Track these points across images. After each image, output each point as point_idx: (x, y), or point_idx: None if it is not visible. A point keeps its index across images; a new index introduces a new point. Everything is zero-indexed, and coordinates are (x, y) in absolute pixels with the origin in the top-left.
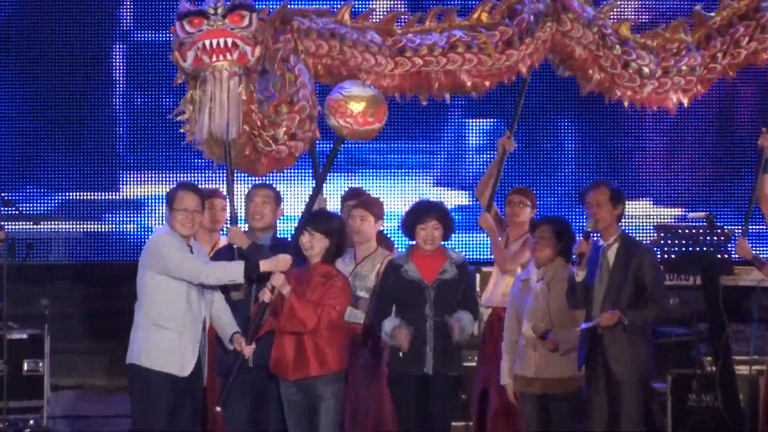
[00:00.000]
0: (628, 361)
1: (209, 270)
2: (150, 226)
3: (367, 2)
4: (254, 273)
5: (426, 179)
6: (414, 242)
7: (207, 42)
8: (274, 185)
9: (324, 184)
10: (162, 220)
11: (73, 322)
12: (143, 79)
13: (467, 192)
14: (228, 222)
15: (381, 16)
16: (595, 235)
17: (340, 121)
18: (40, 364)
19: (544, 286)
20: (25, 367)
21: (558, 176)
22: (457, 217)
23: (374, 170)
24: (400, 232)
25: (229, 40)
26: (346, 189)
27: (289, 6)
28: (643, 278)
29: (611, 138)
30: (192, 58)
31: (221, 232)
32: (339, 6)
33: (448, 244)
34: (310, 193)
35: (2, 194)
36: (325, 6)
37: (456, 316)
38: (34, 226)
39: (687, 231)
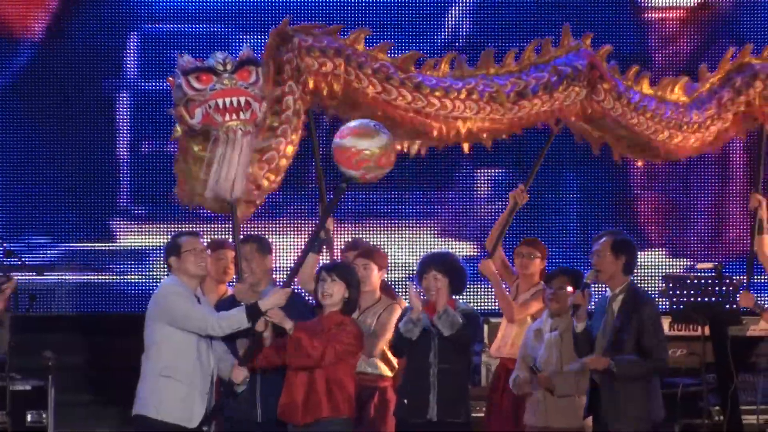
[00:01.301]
0: (625, 416)
1: (215, 323)
2: (155, 276)
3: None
4: (258, 315)
5: (432, 229)
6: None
7: (221, 101)
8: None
9: (328, 220)
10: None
11: (77, 373)
12: (149, 129)
13: (473, 243)
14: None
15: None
16: (600, 286)
17: (351, 171)
18: (44, 416)
19: (557, 337)
20: (29, 418)
21: (563, 228)
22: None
23: (379, 219)
24: (405, 282)
25: (242, 99)
26: (349, 239)
27: (290, 24)
28: (642, 330)
29: (617, 188)
30: (201, 115)
31: (228, 284)
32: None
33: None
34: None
35: (4, 244)
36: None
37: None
38: (37, 277)
39: (695, 281)
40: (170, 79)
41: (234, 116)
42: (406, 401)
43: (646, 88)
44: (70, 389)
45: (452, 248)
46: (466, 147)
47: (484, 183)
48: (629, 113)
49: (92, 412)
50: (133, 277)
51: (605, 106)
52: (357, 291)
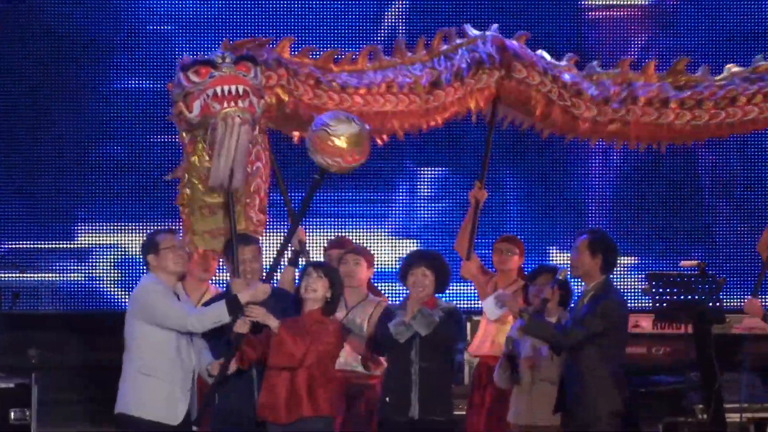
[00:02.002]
0: (592, 407)
1: (194, 319)
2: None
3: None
4: (238, 309)
5: (382, 229)
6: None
7: (219, 89)
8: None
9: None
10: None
11: (61, 371)
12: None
13: (420, 241)
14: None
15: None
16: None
17: (327, 159)
18: (27, 414)
19: None
20: (12, 416)
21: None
22: None
23: (328, 219)
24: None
25: (240, 88)
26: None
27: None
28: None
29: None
30: (199, 107)
31: (210, 281)
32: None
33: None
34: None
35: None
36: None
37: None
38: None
39: (679, 279)
40: (170, 84)
41: (232, 104)
42: (387, 399)
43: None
44: (54, 387)
45: (400, 247)
46: (379, 141)
47: (427, 182)
48: (558, 90)
49: (76, 410)
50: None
51: (530, 83)
52: (339, 293)
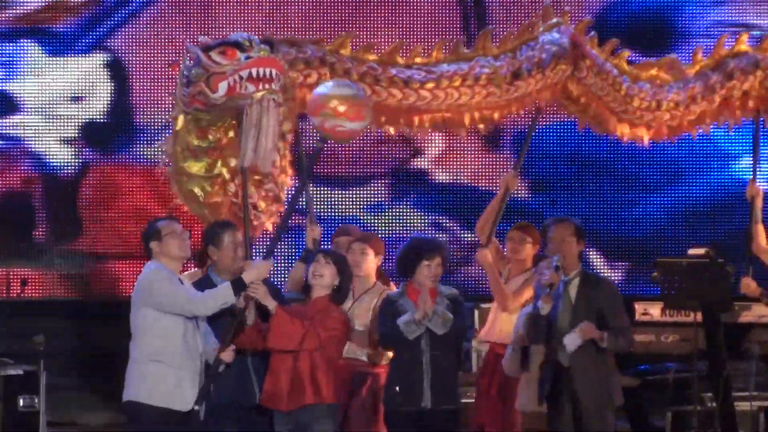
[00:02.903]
0: (597, 392)
1: (200, 302)
2: None
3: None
4: (242, 288)
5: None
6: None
7: (254, 71)
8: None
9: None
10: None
11: (69, 357)
12: None
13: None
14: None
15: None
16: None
17: (326, 123)
18: (36, 401)
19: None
20: (21, 403)
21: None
22: None
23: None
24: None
25: (274, 72)
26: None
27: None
28: (604, 311)
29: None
30: (226, 88)
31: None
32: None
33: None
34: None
35: None
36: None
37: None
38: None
39: (687, 266)
40: (175, 65)
41: (267, 86)
42: (398, 388)
43: (623, 64)
44: (62, 374)
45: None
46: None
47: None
48: (607, 89)
49: (84, 396)
50: None
51: (587, 83)
52: (347, 282)
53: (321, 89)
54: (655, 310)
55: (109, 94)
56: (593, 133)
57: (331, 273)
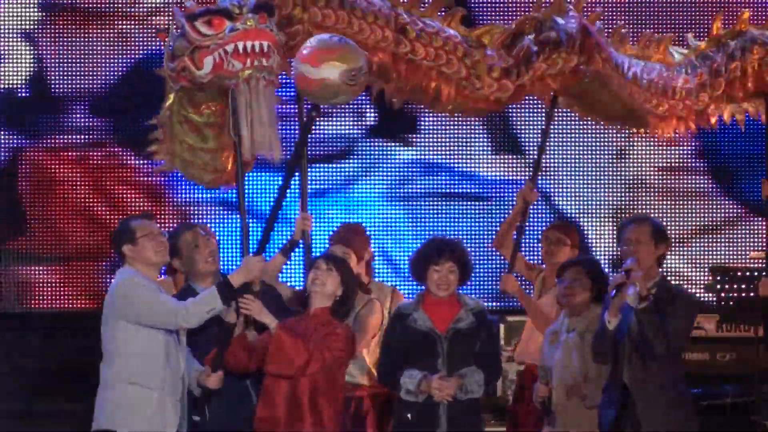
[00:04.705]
0: (662, 422)
1: (184, 311)
2: None
3: None
4: (230, 293)
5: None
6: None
7: (240, 44)
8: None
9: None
10: None
11: (24, 378)
12: None
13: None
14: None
15: None
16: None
17: (295, 74)
18: None
19: (576, 338)
20: None
21: None
22: None
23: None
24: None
25: (265, 44)
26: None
27: None
28: (669, 313)
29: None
30: (212, 64)
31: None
32: None
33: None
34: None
35: None
36: None
37: (460, 372)
38: None
39: (747, 274)
40: (162, 34)
41: (255, 62)
42: (410, 416)
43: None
44: (15, 398)
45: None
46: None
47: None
48: (628, 85)
49: (42, 423)
50: None
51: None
52: (352, 293)
53: (312, 46)
54: (709, 324)
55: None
56: None
57: (333, 282)
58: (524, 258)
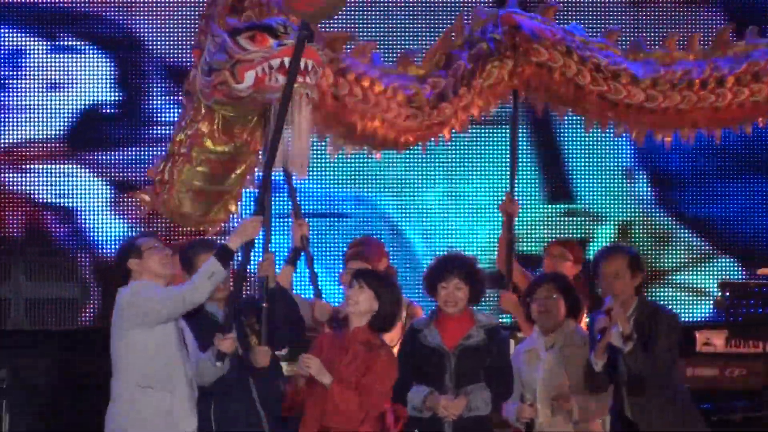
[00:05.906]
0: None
1: (189, 287)
2: None
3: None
4: (230, 257)
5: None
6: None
7: (287, 60)
8: None
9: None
10: None
11: (36, 394)
12: None
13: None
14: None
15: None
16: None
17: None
18: None
19: (558, 355)
20: None
21: None
22: None
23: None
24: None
25: (310, 63)
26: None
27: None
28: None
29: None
30: (253, 78)
31: None
32: None
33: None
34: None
35: None
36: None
37: (466, 390)
38: None
39: (756, 289)
40: (197, 51)
41: (301, 79)
42: None
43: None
44: (28, 413)
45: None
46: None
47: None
48: (589, 73)
49: None
50: None
51: (553, 65)
52: (390, 306)
53: None
54: (719, 340)
55: None
56: None
57: (366, 299)
58: (521, 269)
